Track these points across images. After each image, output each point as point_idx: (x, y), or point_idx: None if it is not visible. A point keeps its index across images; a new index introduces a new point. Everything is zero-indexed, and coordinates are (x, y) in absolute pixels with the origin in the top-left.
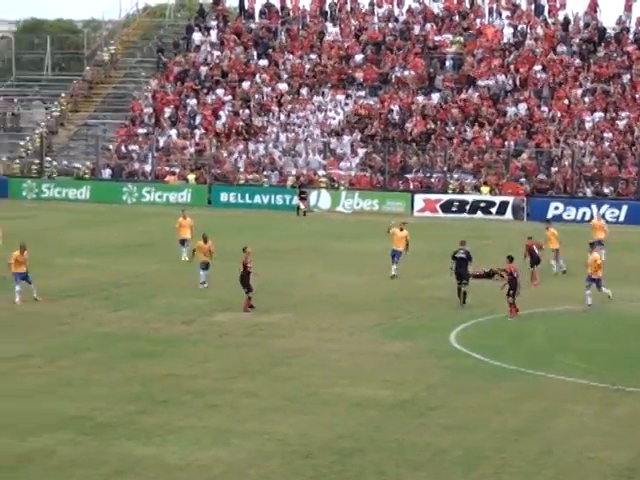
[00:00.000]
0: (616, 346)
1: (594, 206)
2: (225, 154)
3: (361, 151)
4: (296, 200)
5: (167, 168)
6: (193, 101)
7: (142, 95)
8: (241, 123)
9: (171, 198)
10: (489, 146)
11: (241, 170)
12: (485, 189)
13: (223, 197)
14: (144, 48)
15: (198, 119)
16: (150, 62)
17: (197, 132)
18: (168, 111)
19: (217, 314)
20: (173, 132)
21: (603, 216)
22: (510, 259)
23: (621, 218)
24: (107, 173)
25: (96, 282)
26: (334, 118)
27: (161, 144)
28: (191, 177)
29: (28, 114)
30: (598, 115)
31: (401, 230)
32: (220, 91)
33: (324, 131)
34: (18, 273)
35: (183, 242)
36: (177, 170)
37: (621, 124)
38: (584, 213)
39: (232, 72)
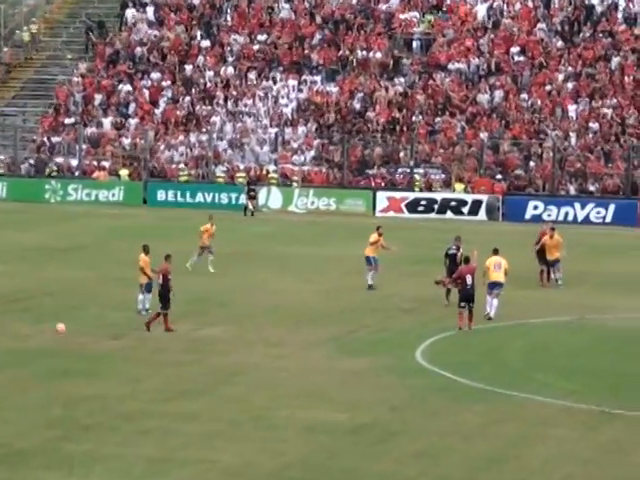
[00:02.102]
0: (601, 363)
1: (578, 204)
2: (163, 147)
3: (316, 143)
4: (243, 199)
5: (96, 163)
6: (127, 87)
7: (68, 80)
8: (182, 112)
9: (101, 196)
10: (460, 138)
11: (181, 165)
12: (459, 186)
13: (160, 195)
14: (70, 27)
15: (132, 107)
16: (77, 43)
17: (131, 122)
18: (98, 98)
19: (152, 328)
20: (104, 122)
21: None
22: (466, 261)
23: (608, 219)
24: (27, 168)
25: (13, 291)
26: (286, 106)
27: (90, 136)
28: (123, 173)
29: None
30: (583, 103)
31: (380, 235)
32: (158, 75)
33: (275, 121)
34: None
35: (204, 250)
36: (107, 165)
37: (608, 113)
38: (566, 213)
39: (171, 54)
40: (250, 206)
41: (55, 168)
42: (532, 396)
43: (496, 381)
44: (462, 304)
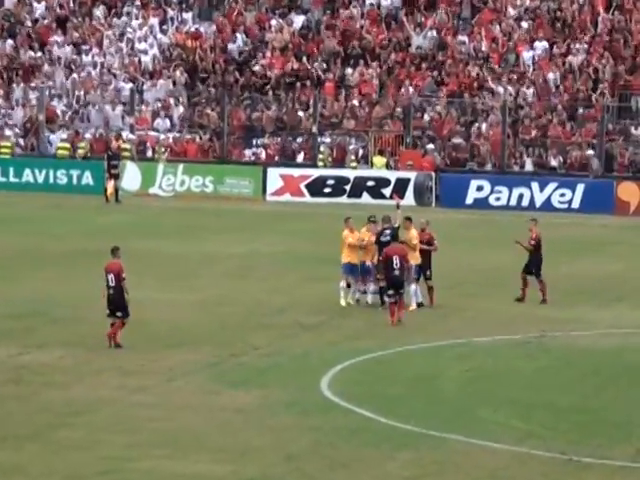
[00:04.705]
0: (567, 395)
1: (535, 184)
2: None
3: (186, 103)
4: (89, 177)
5: None
6: None
7: None
8: (2, 61)
9: None
10: (381, 95)
11: (7, 132)
12: (380, 161)
13: None
14: None
15: None
16: None
17: None
18: None
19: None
20: None
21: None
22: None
23: (575, 203)
24: None
25: None
26: (145, 53)
27: None
28: None
29: None
30: (541, 47)
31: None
32: None
33: (130, 72)
34: None
35: (351, 269)
36: None
37: (575, 61)
38: (520, 196)
39: None
40: (110, 188)
41: None
42: (476, 440)
43: (429, 421)
44: (390, 292)
